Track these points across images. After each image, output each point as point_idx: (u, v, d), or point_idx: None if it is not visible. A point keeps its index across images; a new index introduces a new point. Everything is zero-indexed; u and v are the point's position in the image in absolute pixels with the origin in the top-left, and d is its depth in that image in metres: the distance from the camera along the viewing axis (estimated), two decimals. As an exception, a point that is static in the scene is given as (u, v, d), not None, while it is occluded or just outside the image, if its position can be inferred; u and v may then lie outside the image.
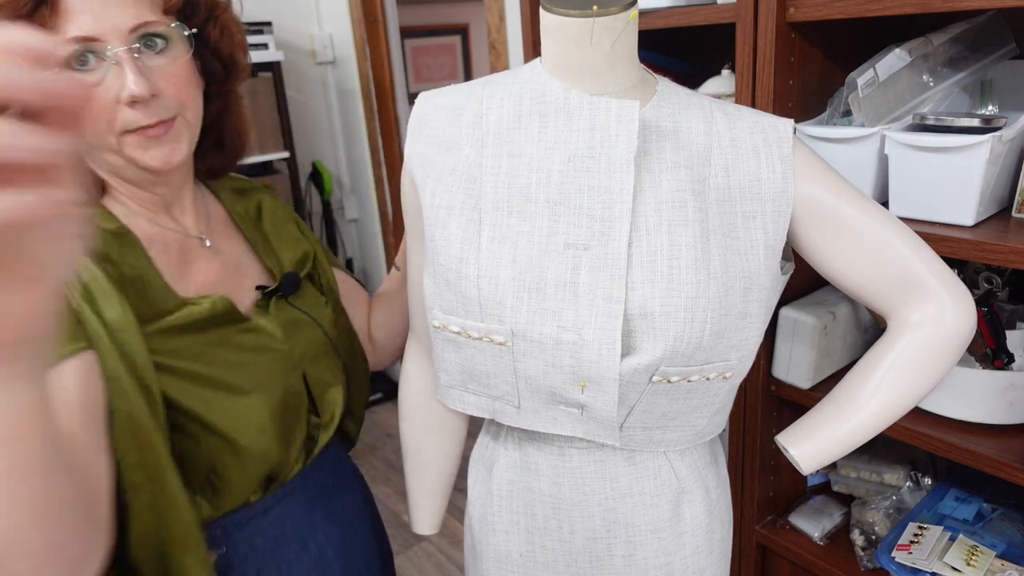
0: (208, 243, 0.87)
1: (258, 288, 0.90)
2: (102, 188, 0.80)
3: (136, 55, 0.72)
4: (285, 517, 0.87)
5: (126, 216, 0.80)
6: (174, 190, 0.84)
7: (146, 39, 0.73)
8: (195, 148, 0.84)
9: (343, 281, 1.07)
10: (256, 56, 2.57)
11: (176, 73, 0.76)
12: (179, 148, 0.77)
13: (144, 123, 0.73)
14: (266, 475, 0.84)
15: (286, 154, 2.70)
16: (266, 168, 2.77)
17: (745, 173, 0.77)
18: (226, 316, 0.82)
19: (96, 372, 0.67)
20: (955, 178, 1.01)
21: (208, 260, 0.86)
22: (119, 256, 0.75)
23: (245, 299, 0.88)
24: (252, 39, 2.56)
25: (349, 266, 3.23)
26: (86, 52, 0.70)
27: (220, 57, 0.84)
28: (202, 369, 0.77)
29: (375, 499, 1.13)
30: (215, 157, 0.91)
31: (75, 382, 0.64)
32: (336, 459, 0.98)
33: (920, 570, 1.16)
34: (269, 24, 2.62)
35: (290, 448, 0.86)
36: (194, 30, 0.79)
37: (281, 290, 0.91)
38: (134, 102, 0.72)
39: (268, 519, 0.86)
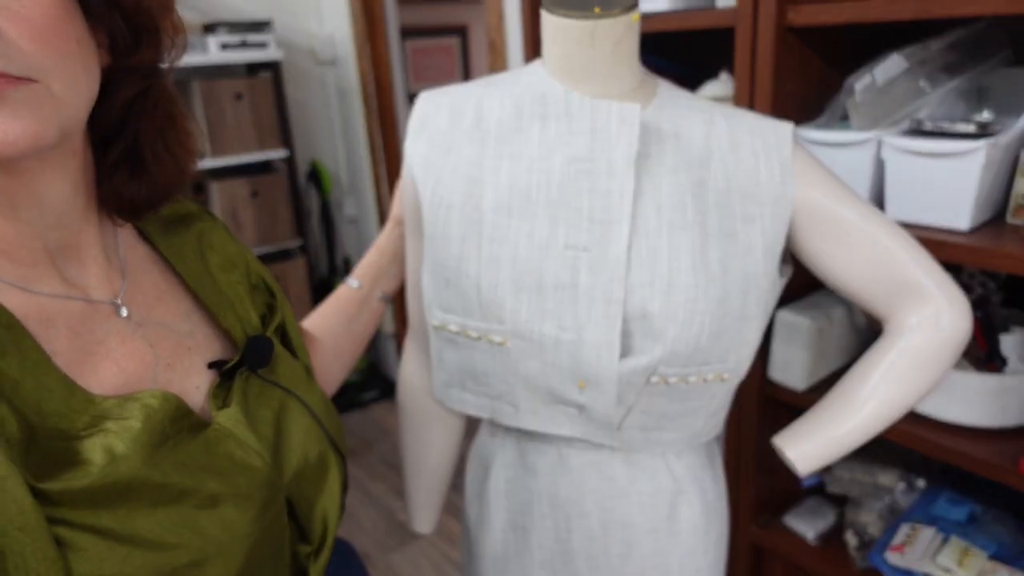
0: (125, 311, 0.58)
1: (212, 366, 0.62)
2: None
3: None
4: None
5: None
6: (58, 223, 0.54)
7: None
8: (94, 164, 0.57)
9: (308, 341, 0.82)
10: (256, 55, 2.57)
11: (32, 8, 0.46)
12: (28, 120, 0.46)
13: None
14: None
15: (285, 153, 2.70)
16: (265, 167, 2.77)
17: (745, 176, 0.77)
18: (174, 426, 0.54)
19: None
20: (951, 183, 1.02)
21: (124, 338, 0.57)
22: None
23: (191, 389, 0.60)
24: (252, 38, 2.56)
25: (347, 265, 3.23)
26: None
27: (121, 7, 0.53)
28: (123, 527, 0.48)
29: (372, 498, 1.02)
30: (130, 183, 0.59)
31: None
32: None
33: (913, 571, 1.16)
34: (269, 23, 2.62)
35: None
36: None
37: (247, 363, 0.63)
38: None
39: None
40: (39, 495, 0.44)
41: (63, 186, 0.53)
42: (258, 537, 0.56)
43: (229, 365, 0.62)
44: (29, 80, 0.46)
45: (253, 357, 0.63)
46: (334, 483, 0.66)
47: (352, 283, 0.92)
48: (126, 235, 0.64)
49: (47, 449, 0.47)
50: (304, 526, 0.64)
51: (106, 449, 0.49)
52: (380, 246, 0.95)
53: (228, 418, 0.58)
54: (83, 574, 0.46)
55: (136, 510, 0.49)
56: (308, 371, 0.71)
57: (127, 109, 0.58)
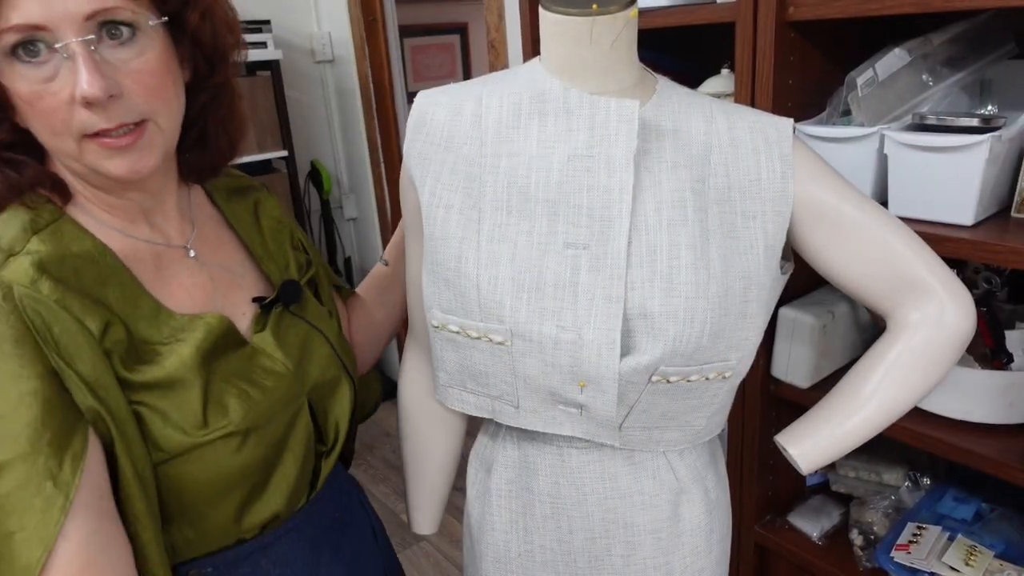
0: (193, 253, 0.77)
1: (255, 300, 0.80)
2: (67, 195, 0.70)
3: (92, 47, 0.61)
4: (287, 555, 0.79)
5: (96, 229, 0.70)
6: (151, 196, 0.74)
7: (107, 27, 0.62)
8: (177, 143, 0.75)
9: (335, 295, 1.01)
10: (255, 55, 2.56)
11: (145, 69, 0.64)
12: (148, 157, 0.67)
13: (103, 127, 0.63)
14: (255, 519, 0.76)
15: (284, 153, 2.70)
16: (265, 167, 2.77)
17: (745, 172, 0.77)
18: (224, 340, 0.73)
19: (99, 448, 0.62)
20: (954, 178, 1.01)
21: (192, 273, 0.76)
22: (98, 287, 0.66)
23: (239, 315, 0.78)
24: (250, 37, 2.55)
25: (348, 265, 3.23)
26: (34, 41, 0.60)
27: (202, 47, 0.72)
28: (187, 406, 0.68)
29: (378, 509, 1.09)
30: (197, 156, 0.79)
31: (98, 471, 0.61)
32: (344, 491, 0.90)
33: (919, 570, 1.16)
34: (268, 23, 2.62)
35: (284, 489, 0.77)
36: (165, 18, 0.67)
37: (281, 300, 0.81)
38: (89, 104, 0.61)
39: (268, 557, 0.78)
40: (129, 383, 0.65)
41: (161, 178, 0.75)
42: (284, 425, 0.76)
43: (267, 300, 0.80)
44: (143, 121, 0.65)
45: (286, 296, 0.82)
46: (345, 399, 0.85)
47: (382, 262, 1.05)
48: (198, 199, 0.83)
49: (138, 351, 0.67)
50: (322, 429, 0.83)
51: (177, 354, 0.68)
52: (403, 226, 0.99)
53: (262, 339, 0.78)
54: (154, 435, 0.66)
55: (197, 395, 0.68)
56: (331, 314, 0.90)
57: (201, 108, 0.76)
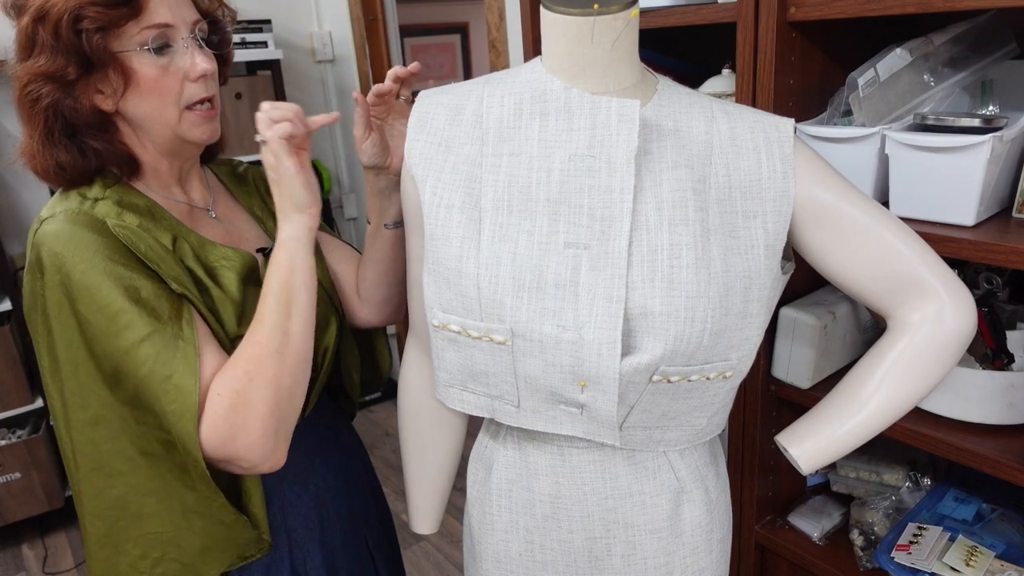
0: (213, 214, 1.01)
1: (259, 251, 1.00)
2: (131, 173, 0.93)
3: (199, 42, 0.89)
4: (287, 463, 0.97)
5: (145, 192, 0.94)
6: (188, 165, 0.99)
7: (201, 31, 0.90)
8: None
9: (331, 243, 1.15)
10: (255, 54, 2.56)
11: (217, 60, 0.92)
12: (217, 128, 0.94)
13: (204, 95, 0.90)
14: None
15: (285, 152, 2.69)
16: (265, 166, 2.77)
17: (746, 172, 0.77)
18: (251, 273, 0.95)
19: (195, 313, 0.88)
20: (956, 178, 1.01)
21: (213, 226, 0.99)
22: (154, 229, 0.89)
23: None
24: (251, 37, 2.55)
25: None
26: (160, 37, 0.86)
27: (222, 57, 0.99)
28: (225, 319, 0.90)
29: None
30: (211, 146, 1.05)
31: None
32: (331, 422, 1.12)
33: (919, 570, 1.16)
34: (268, 22, 2.62)
35: None
36: (231, 28, 0.96)
37: None
38: (201, 77, 0.88)
39: None
40: (203, 285, 0.90)
41: (195, 152, 0.98)
42: None
43: (268, 250, 0.99)
44: (213, 97, 0.92)
45: None
46: (333, 331, 1.03)
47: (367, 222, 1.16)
48: (211, 178, 1.07)
49: (204, 265, 0.91)
50: (314, 354, 0.96)
51: (230, 276, 0.92)
52: (370, 191, 1.03)
53: None
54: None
55: (233, 308, 0.91)
56: (320, 261, 1.07)
57: None
